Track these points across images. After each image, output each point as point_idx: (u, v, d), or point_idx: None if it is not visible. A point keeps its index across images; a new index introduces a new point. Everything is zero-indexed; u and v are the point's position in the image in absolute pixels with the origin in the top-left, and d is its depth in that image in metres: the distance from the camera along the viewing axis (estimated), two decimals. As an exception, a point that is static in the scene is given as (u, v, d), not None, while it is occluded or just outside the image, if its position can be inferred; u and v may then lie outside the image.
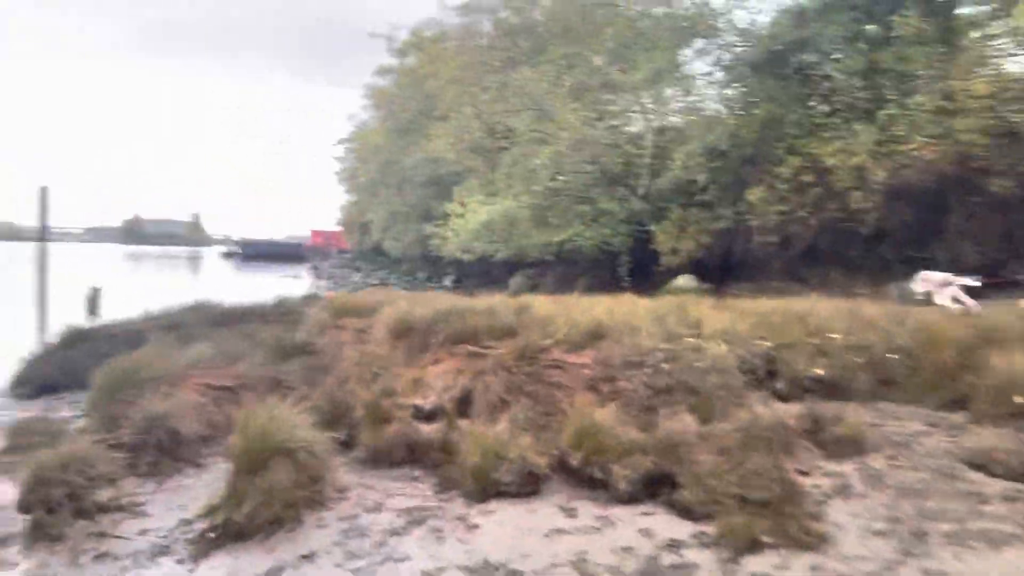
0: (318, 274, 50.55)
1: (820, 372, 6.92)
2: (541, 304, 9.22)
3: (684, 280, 14.79)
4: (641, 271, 18.86)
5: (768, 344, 7.25)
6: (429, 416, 6.86)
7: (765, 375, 7.09)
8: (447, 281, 32.15)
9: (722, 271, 16.07)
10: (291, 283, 41.81)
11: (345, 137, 33.75)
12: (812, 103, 14.13)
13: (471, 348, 7.20)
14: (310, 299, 12.70)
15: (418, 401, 7.01)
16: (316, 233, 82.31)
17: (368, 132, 33.07)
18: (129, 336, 11.21)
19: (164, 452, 6.41)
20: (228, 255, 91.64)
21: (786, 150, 13.36)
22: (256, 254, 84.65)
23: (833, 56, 13.15)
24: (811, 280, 14.96)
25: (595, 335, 7.11)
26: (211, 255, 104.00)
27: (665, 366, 6.53)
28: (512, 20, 19.66)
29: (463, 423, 6.56)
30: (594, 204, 17.19)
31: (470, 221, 15.58)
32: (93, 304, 12.71)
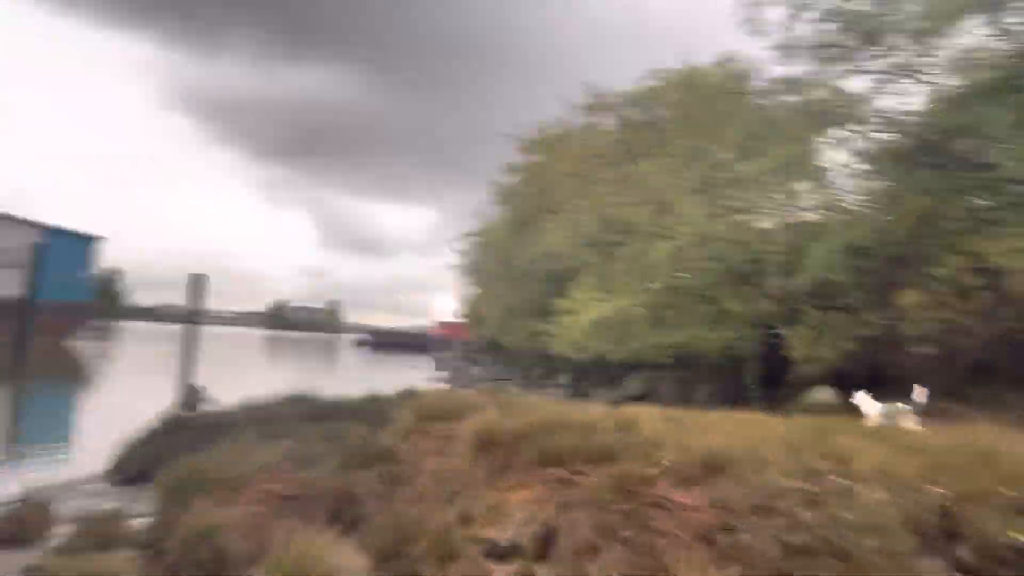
0: (439, 365, 51.15)
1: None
2: (650, 419, 7.93)
3: (821, 393, 12.82)
4: (770, 380, 16.87)
5: (945, 493, 5.51)
6: (503, 554, 5.70)
7: (941, 536, 5.32)
8: (562, 379, 31.11)
9: (867, 385, 13.83)
10: (409, 373, 42.51)
11: (470, 231, 34.52)
12: (974, 196, 12.22)
13: (560, 473, 6.04)
14: (408, 395, 12.05)
15: (492, 534, 5.89)
16: (441, 324, 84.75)
17: (491, 227, 33.55)
18: (224, 426, 11.03)
19: (205, 572, 5.64)
20: (360, 343, 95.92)
21: (945, 248, 11.48)
22: (384, 343, 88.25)
23: (1000, 143, 11.34)
24: (978, 401, 12.49)
25: (712, 466, 5.74)
26: (345, 342, 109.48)
27: (803, 516, 5.03)
28: (636, 116, 19.26)
29: (541, 569, 5.35)
30: (717, 304, 15.72)
31: (582, 318, 14.61)
32: (190, 401, 12.74)
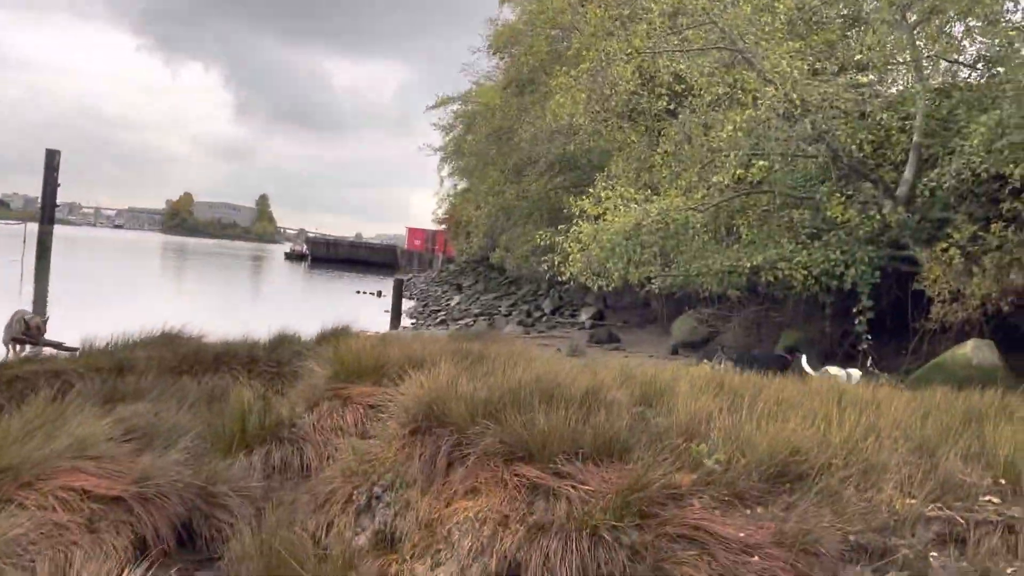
0: (408, 291, 50.75)
1: None
2: (697, 387, 7.21)
3: (975, 350, 12.03)
4: (894, 328, 16.15)
5: None
6: (437, 606, 5.09)
7: None
8: (584, 317, 30.52)
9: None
10: (364, 303, 42.18)
11: (451, 95, 32.78)
12: None
13: (536, 473, 5.33)
14: (332, 337, 11.35)
15: (420, 571, 5.25)
16: (414, 232, 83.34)
17: (483, 90, 32.06)
18: (46, 377, 10.48)
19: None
20: (294, 257, 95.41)
21: None
22: (331, 257, 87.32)
23: None
24: None
25: (786, 473, 5.01)
26: (278, 255, 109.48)
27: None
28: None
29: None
30: (817, 210, 14.75)
31: (607, 227, 13.64)
32: (17, 337, 12.21)
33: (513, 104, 24.62)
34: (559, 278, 15.52)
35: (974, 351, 11.96)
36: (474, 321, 29.83)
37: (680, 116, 15.39)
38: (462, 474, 5.73)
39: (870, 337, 14.54)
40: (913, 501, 4.84)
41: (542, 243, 15.87)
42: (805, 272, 14.33)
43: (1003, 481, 5.16)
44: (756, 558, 4.35)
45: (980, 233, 12.79)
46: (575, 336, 26.17)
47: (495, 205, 26.49)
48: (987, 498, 4.99)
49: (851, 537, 4.49)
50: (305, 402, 8.20)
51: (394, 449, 6.41)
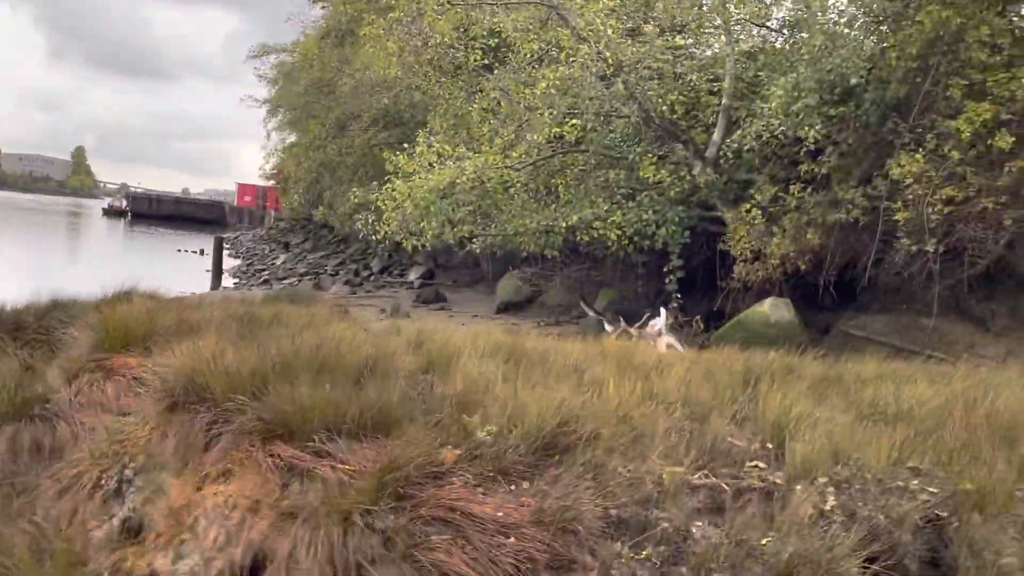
0: (235, 249, 48.74)
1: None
2: (484, 350, 6.94)
3: (772, 308, 12.40)
4: (703, 285, 16.54)
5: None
6: (174, 605, 4.61)
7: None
8: (413, 276, 30.03)
9: (838, 296, 13.64)
10: (184, 262, 40.20)
11: (272, 45, 31.27)
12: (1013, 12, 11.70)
13: (293, 452, 4.90)
14: (112, 302, 10.43)
15: (161, 564, 4.75)
16: (245, 188, 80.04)
17: (310, 39, 30.75)
18: None
19: None
20: (112, 213, 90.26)
21: (964, 92, 10.96)
22: (152, 213, 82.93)
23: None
24: (995, 322, 12.53)
25: (555, 444, 4.78)
26: (96, 211, 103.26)
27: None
28: None
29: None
30: (631, 170, 14.82)
31: (420, 186, 13.21)
32: None
33: (333, 55, 23.68)
34: (374, 237, 14.99)
35: (772, 309, 12.33)
36: (299, 281, 28.83)
37: (497, 72, 15.09)
38: (215, 455, 5.23)
39: (680, 296, 14.81)
40: (679, 469, 4.72)
41: (356, 200, 15.29)
42: (619, 232, 14.40)
43: (770, 445, 5.12)
44: (512, 539, 4.09)
45: (780, 194, 13.15)
46: (401, 296, 25.75)
47: (316, 160, 25.52)
48: (753, 463, 4.94)
49: (612, 512, 4.31)
50: (64, 374, 7.42)
51: (148, 428, 5.82)
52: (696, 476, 4.74)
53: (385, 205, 13.94)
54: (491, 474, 4.57)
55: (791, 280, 13.84)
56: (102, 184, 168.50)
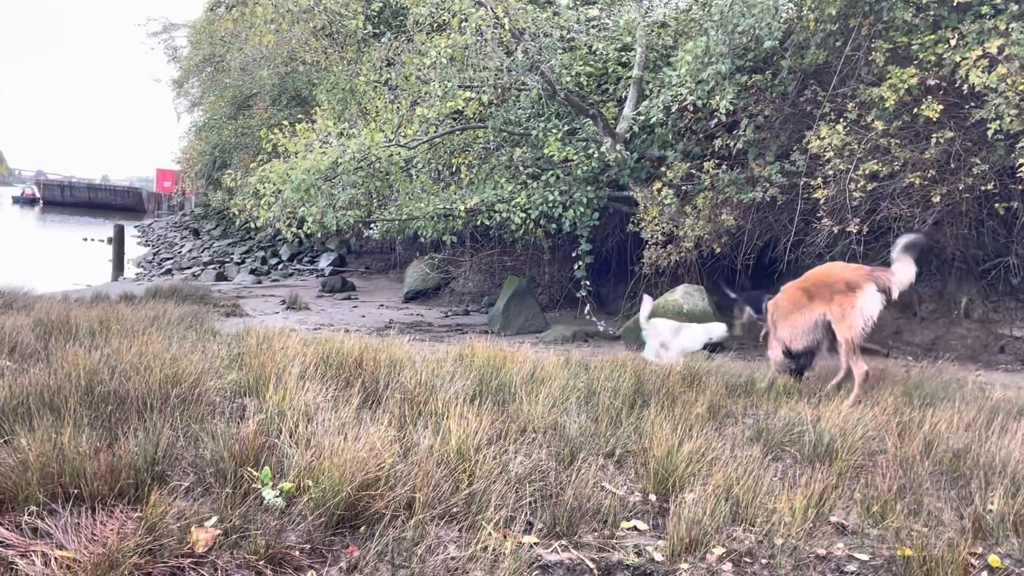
0: (145, 237, 46.31)
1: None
2: (339, 356, 5.61)
3: (685, 296, 11.25)
4: (619, 271, 15.39)
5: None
6: None
7: None
8: (324, 263, 28.37)
9: (757, 280, 12.57)
10: (89, 252, 37.79)
11: (175, 22, 29.20)
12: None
13: None
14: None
15: None
16: (164, 174, 77.00)
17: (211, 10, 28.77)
18: None
19: None
20: (23, 201, 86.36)
21: (888, 56, 9.89)
22: (67, 201, 79.42)
23: None
24: (922, 307, 11.59)
25: (364, 511, 3.49)
26: (8, 199, 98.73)
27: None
28: None
29: None
30: (535, 147, 13.54)
31: (298, 167, 11.70)
32: None
33: (220, 28, 21.87)
34: (253, 224, 13.45)
35: (684, 297, 11.19)
36: (202, 270, 26.96)
37: (382, 39, 13.64)
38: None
39: (590, 283, 13.64)
40: (527, 541, 3.45)
41: (234, 184, 13.75)
42: (524, 214, 13.14)
43: (653, 497, 3.89)
44: None
45: (694, 172, 12.02)
46: (310, 284, 24.15)
47: (210, 143, 23.72)
48: (631, 525, 3.70)
49: None
50: None
51: None
52: (551, 549, 3.49)
53: (264, 188, 12.43)
54: (259, 564, 3.24)
55: (707, 264, 12.77)
56: (16, 171, 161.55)
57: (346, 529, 3.45)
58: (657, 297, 11.84)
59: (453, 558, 3.28)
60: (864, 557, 3.48)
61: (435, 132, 13.34)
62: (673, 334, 8.55)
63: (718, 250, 11.84)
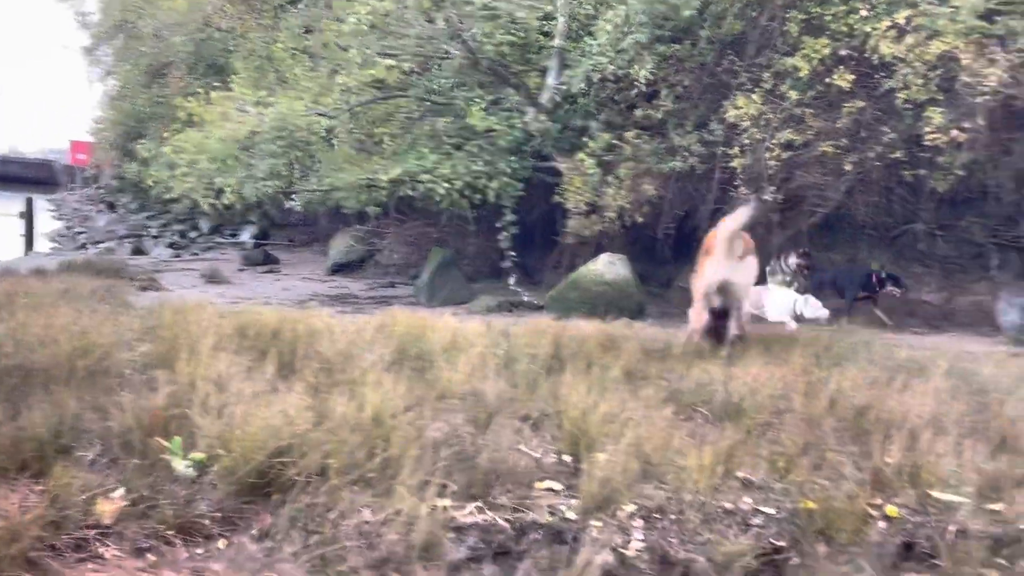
0: (59, 211, 44.75)
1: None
2: (257, 326, 5.54)
3: (607, 265, 11.38)
4: (544, 242, 15.47)
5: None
6: None
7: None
8: (246, 236, 27.80)
9: (677, 250, 12.78)
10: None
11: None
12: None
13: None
14: None
15: None
16: (78, 145, 74.49)
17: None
18: None
19: None
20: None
21: (801, 27, 10.10)
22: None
23: None
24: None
25: (276, 478, 3.47)
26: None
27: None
28: None
29: None
30: (458, 117, 13.48)
31: (212, 137, 11.46)
32: None
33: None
34: (170, 196, 13.15)
35: (606, 267, 11.31)
36: (119, 244, 26.23)
37: (302, 5, 13.39)
38: None
39: (515, 254, 13.69)
40: (441, 504, 3.47)
41: (149, 154, 13.40)
42: (448, 185, 13.09)
43: (568, 458, 3.94)
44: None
45: (616, 142, 12.11)
46: (231, 258, 23.66)
47: (124, 112, 23.02)
48: (546, 486, 3.74)
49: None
50: None
51: None
52: (466, 511, 3.52)
53: (180, 159, 12.14)
54: (168, 533, 3.20)
55: (629, 233, 12.91)
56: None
57: (258, 497, 3.42)
58: (579, 267, 11.97)
59: (367, 522, 3.29)
60: (769, 510, 3.59)
61: (356, 101, 13.18)
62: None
63: (640, 219, 11.99)
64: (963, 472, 3.76)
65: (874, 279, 10.28)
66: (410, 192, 13.36)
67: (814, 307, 8.76)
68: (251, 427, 3.64)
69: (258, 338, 5.68)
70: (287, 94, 12.20)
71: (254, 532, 3.25)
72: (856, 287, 10.41)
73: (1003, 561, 3.33)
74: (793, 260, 10.77)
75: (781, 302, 8.93)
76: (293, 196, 14.48)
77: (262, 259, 21.43)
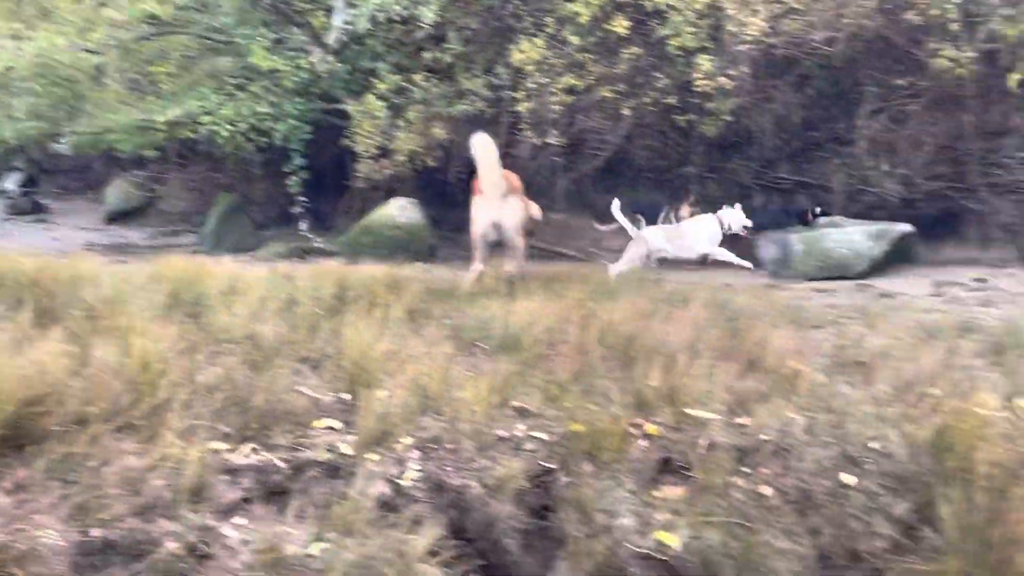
0: None
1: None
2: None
3: (399, 209, 11.35)
4: (335, 186, 15.17)
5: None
6: None
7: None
8: (10, 183, 25.56)
9: (469, 194, 12.88)
10: None
11: None
12: None
13: None
14: None
15: None
16: None
17: None
18: None
19: None
20: None
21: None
22: None
23: None
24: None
25: (30, 430, 3.27)
26: None
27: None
28: None
29: None
30: (240, 57, 12.90)
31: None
32: None
33: None
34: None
35: (398, 211, 11.29)
36: None
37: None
38: None
39: (306, 199, 13.37)
40: (217, 446, 3.41)
41: None
42: (231, 127, 12.54)
43: (347, 396, 3.95)
44: None
45: (406, 84, 12.00)
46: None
47: None
48: (325, 424, 3.74)
49: (96, 533, 2.91)
50: None
51: None
52: (241, 453, 3.46)
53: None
54: None
55: (421, 177, 12.89)
56: None
57: (11, 450, 3.22)
58: (372, 212, 11.87)
59: (131, 469, 3.17)
60: (542, 436, 3.76)
61: (128, 36, 12.34)
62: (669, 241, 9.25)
63: (431, 163, 11.98)
64: (715, 391, 4.08)
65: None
66: (191, 135, 12.71)
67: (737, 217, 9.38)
68: (0, 377, 3.41)
69: (15, 287, 5.29)
70: (47, 28, 11.25)
71: (7, 485, 3.06)
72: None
73: (747, 469, 3.66)
74: (686, 210, 11.18)
75: (707, 231, 9.39)
76: (61, 139, 13.44)
77: (30, 207, 19.85)
